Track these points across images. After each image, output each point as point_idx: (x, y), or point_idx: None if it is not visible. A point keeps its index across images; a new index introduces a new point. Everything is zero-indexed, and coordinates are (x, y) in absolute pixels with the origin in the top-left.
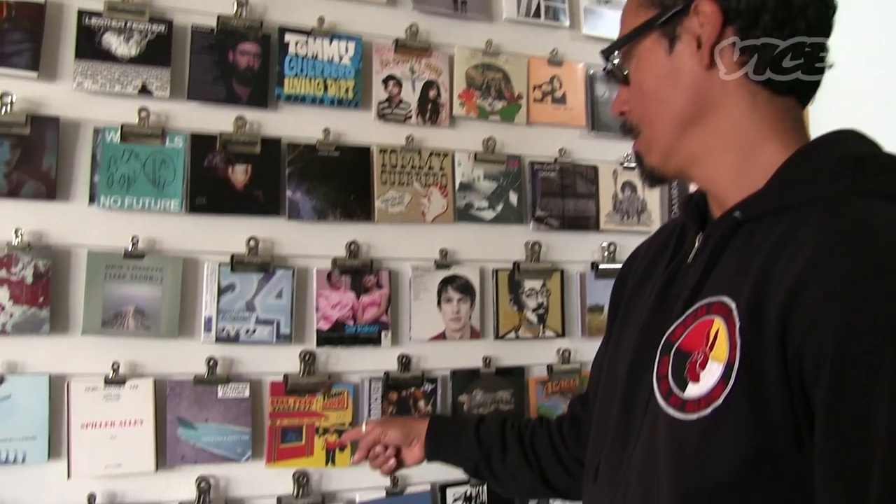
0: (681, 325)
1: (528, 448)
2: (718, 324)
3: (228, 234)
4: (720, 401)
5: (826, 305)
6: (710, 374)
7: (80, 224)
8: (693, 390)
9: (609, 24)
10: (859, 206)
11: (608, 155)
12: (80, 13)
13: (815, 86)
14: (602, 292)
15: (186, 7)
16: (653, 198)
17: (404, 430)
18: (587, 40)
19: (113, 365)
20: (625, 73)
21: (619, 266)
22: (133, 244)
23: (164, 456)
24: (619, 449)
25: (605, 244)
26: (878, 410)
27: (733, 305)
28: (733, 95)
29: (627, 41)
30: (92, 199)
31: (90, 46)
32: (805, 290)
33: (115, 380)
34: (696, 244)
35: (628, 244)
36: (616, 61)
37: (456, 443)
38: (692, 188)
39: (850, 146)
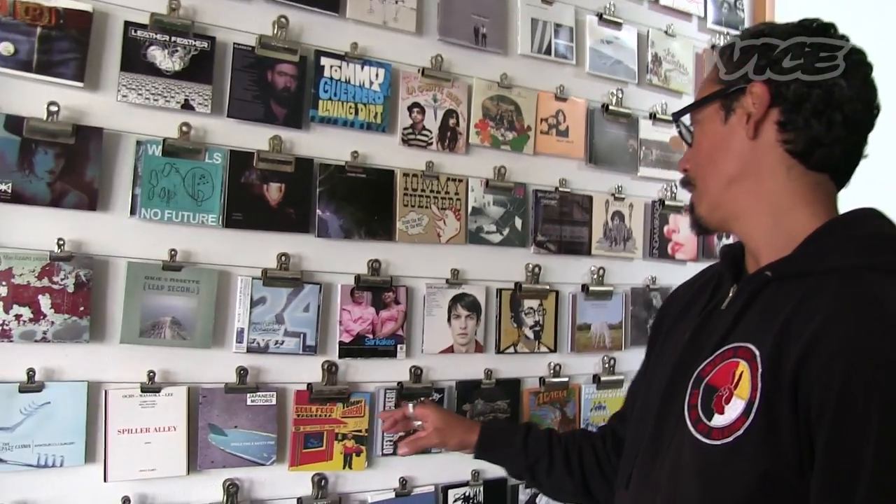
0: (710, 364)
1: (574, 460)
2: (743, 366)
3: (261, 249)
4: (741, 431)
5: (832, 361)
6: (734, 409)
7: (121, 235)
8: (718, 420)
9: (609, 64)
10: (868, 279)
11: (601, 186)
12: (127, 25)
13: (847, 169)
14: (589, 312)
15: (228, 25)
16: (637, 228)
17: (447, 422)
18: (590, 78)
19: (149, 373)
20: (690, 135)
21: (606, 288)
22: (171, 256)
23: (196, 460)
24: (650, 461)
25: (594, 268)
26: (866, 455)
27: (757, 352)
28: (772, 165)
29: (693, 108)
30: (133, 210)
31: (135, 59)
32: (817, 348)
33: (151, 387)
34: (731, 294)
35: (615, 269)
36: (684, 124)
37: (505, 449)
38: (731, 239)
39: (868, 225)
